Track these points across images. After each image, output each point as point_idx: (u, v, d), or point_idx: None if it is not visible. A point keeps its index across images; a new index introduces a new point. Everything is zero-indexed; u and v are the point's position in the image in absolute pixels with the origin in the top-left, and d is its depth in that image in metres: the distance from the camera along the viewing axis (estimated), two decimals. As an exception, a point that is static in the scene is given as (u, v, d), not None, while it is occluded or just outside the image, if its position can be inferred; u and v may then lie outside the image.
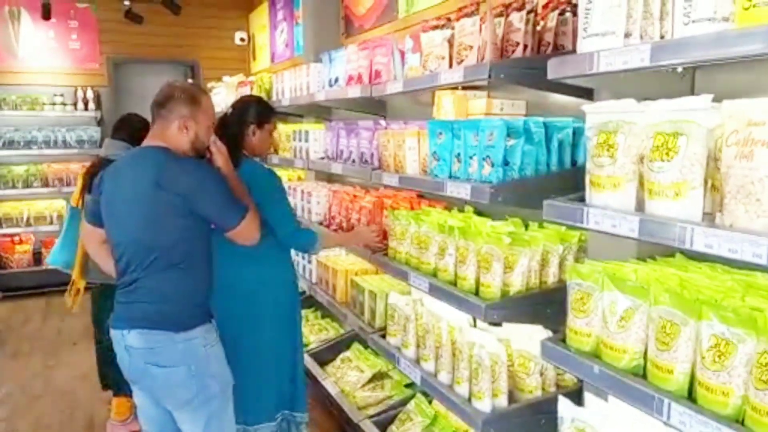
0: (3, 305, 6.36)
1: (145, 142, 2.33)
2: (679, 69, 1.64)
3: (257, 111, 2.91)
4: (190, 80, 7.49)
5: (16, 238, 6.89)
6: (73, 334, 5.44)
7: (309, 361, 3.95)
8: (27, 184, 6.99)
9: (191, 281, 2.29)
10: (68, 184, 6.99)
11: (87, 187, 3.52)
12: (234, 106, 2.98)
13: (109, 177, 2.32)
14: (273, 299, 2.87)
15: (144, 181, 2.19)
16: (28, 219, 6.97)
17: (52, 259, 3.71)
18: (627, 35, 1.51)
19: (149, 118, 2.38)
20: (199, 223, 2.28)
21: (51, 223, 7.03)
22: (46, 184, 7.02)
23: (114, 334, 2.29)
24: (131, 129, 3.51)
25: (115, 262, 2.33)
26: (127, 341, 2.24)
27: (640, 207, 1.50)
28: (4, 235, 6.84)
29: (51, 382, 4.44)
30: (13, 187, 6.94)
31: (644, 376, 1.49)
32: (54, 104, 7.04)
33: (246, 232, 2.35)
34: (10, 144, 6.85)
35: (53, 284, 6.52)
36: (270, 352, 2.88)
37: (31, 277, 6.69)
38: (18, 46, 7.08)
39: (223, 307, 2.55)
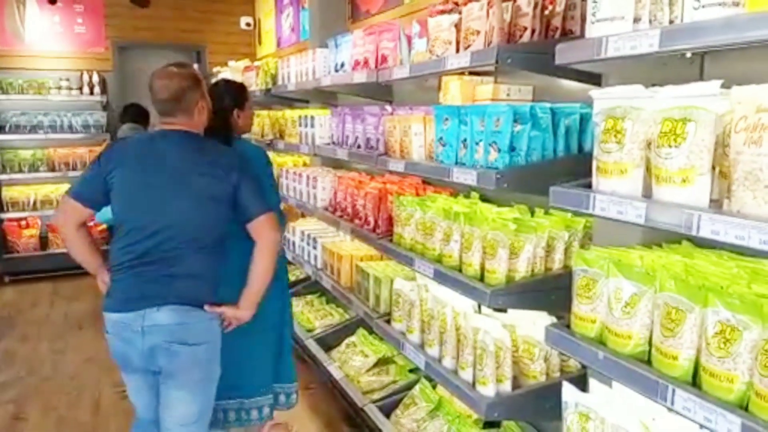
0: (10, 289, 6.40)
1: (168, 128, 2.37)
2: (688, 54, 1.63)
3: (232, 95, 2.95)
4: (195, 64, 7.45)
5: (23, 222, 6.90)
6: (79, 318, 5.48)
7: (314, 346, 3.98)
8: (33, 169, 7.01)
9: (222, 263, 2.41)
10: (74, 169, 7.02)
11: None
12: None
13: (130, 159, 2.34)
14: None
15: (189, 163, 2.31)
16: (34, 203, 6.98)
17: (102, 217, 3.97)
18: (636, 20, 1.49)
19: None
20: (231, 209, 2.39)
21: (57, 207, 7.03)
22: (52, 169, 7.03)
23: (123, 317, 2.25)
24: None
25: (127, 244, 2.29)
26: (149, 320, 2.23)
27: (647, 193, 1.49)
28: (11, 219, 6.85)
29: (58, 365, 4.48)
30: (20, 171, 6.96)
31: (649, 362, 1.50)
32: (60, 88, 7.03)
33: (267, 225, 2.41)
34: (16, 128, 6.86)
35: (60, 269, 6.57)
36: (265, 325, 2.90)
37: (38, 261, 6.71)
38: (24, 31, 7.07)
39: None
